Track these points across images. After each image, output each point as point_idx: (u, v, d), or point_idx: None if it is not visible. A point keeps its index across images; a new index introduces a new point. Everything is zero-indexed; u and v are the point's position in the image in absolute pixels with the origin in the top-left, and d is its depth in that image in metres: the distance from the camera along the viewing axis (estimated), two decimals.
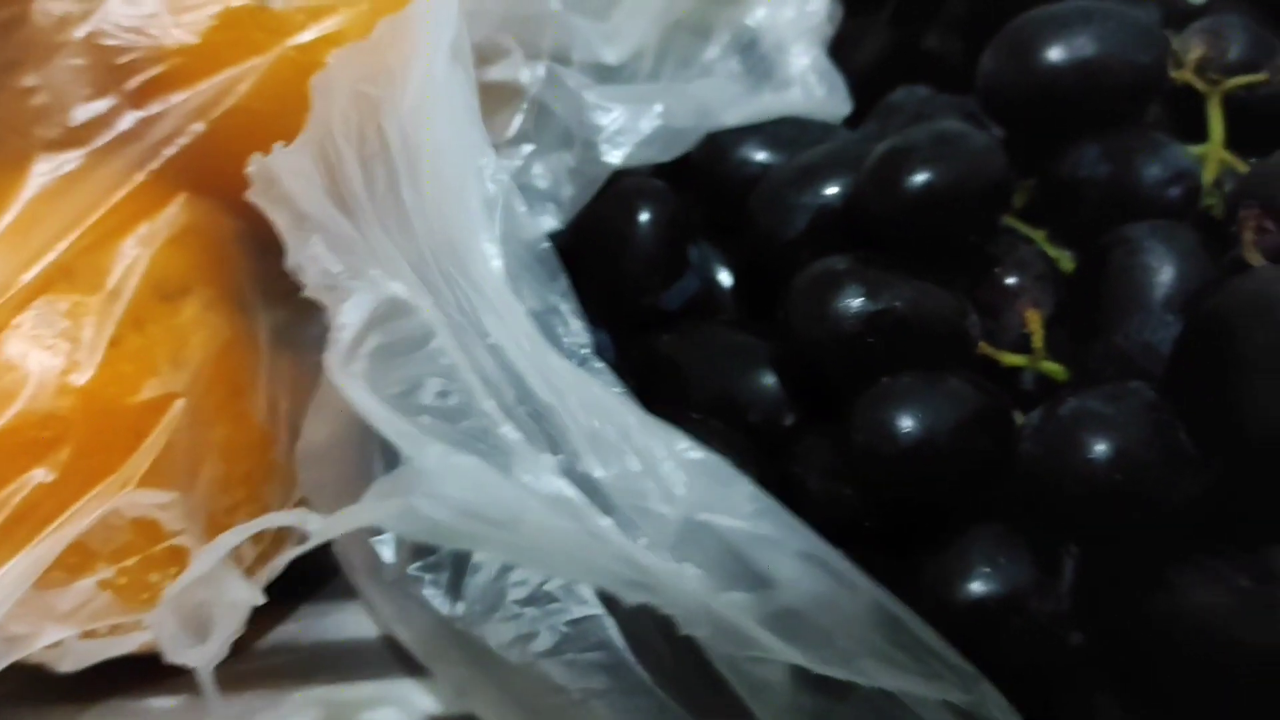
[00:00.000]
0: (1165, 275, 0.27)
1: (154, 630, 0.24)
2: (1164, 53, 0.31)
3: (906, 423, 0.25)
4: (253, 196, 0.25)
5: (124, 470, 0.28)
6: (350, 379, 0.21)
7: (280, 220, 0.24)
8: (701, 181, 0.33)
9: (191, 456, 0.29)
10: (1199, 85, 0.32)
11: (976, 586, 0.24)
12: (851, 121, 0.36)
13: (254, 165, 0.25)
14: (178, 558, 0.29)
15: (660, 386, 0.31)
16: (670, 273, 0.31)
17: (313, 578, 0.36)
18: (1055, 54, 0.30)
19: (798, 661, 0.21)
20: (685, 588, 0.21)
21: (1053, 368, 0.28)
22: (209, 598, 0.24)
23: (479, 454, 0.21)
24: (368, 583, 0.26)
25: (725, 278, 0.33)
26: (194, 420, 0.29)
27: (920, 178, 0.27)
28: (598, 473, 0.22)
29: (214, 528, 0.30)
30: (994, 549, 0.24)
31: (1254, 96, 0.32)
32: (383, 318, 0.22)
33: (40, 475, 0.27)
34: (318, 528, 0.21)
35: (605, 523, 0.21)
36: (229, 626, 0.25)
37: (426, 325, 0.22)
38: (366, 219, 0.24)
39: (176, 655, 0.25)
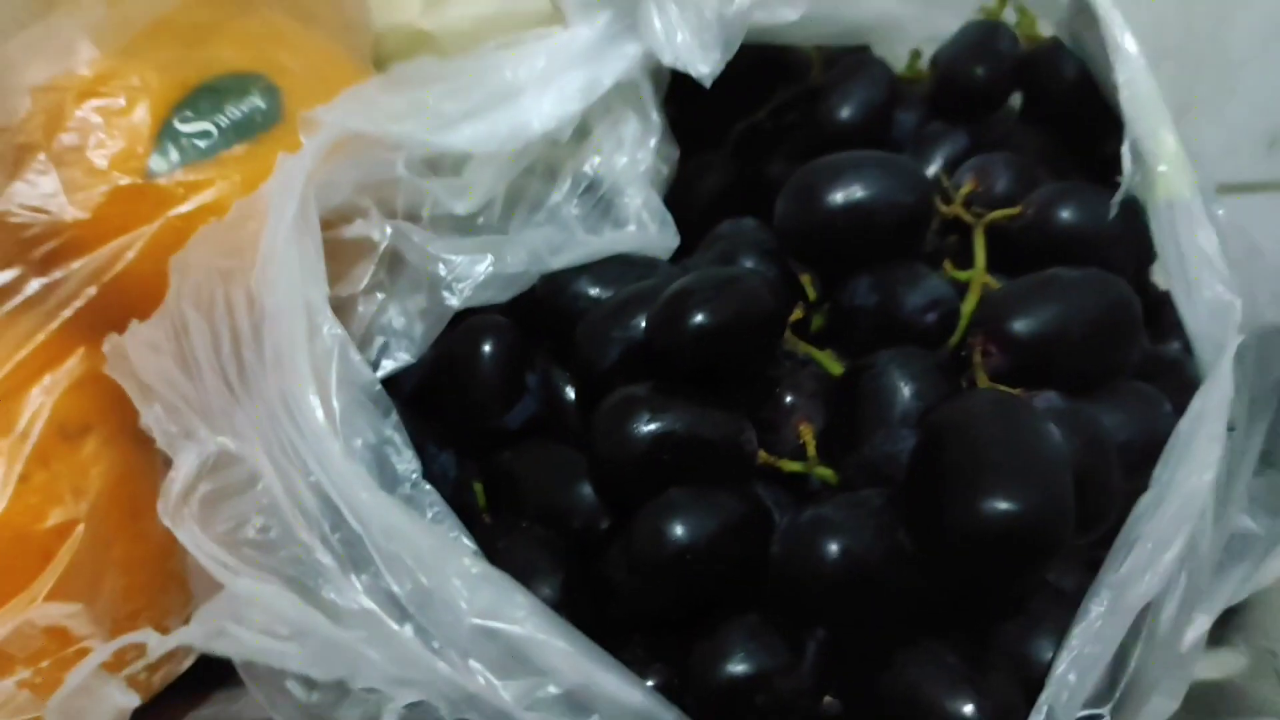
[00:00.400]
0: (901, 395, 0.31)
1: None
2: (927, 193, 0.36)
3: (674, 530, 0.29)
4: (108, 370, 0.30)
5: (34, 587, 0.32)
6: (180, 520, 0.26)
7: (129, 389, 0.29)
8: (543, 316, 0.37)
9: (94, 572, 0.33)
10: (965, 218, 0.37)
11: (729, 668, 0.28)
12: (689, 249, 0.41)
13: (107, 345, 0.30)
14: (86, 657, 0.34)
15: (502, 498, 0.36)
16: (510, 397, 0.36)
17: (223, 665, 0.40)
18: (833, 198, 0.35)
19: None
20: (470, 682, 0.25)
21: (825, 473, 0.33)
22: (89, 706, 0.28)
23: (296, 579, 0.26)
24: (246, 677, 0.31)
25: (571, 396, 0.38)
26: (95, 541, 0.33)
27: (697, 318, 0.32)
28: (395, 588, 0.26)
29: (119, 630, 0.34)
30: (746, 636, 0.29)
31: (1013, 227, 0.37)
32: (211, 468, 0.27)
33: None
34: (154, 645, 0.25)
35: (405, 629, 0.26)
36: None
37: (253, 471, 0.27)
38: (208, 382, 0.28)
39: None
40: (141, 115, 0.35)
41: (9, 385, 0.33)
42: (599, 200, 0.40)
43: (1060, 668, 0.27)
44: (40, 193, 0.34)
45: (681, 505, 0.30)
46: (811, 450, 0.33)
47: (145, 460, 0.35)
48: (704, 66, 0.38)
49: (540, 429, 0.37)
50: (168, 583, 0.35)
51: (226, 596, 0.25)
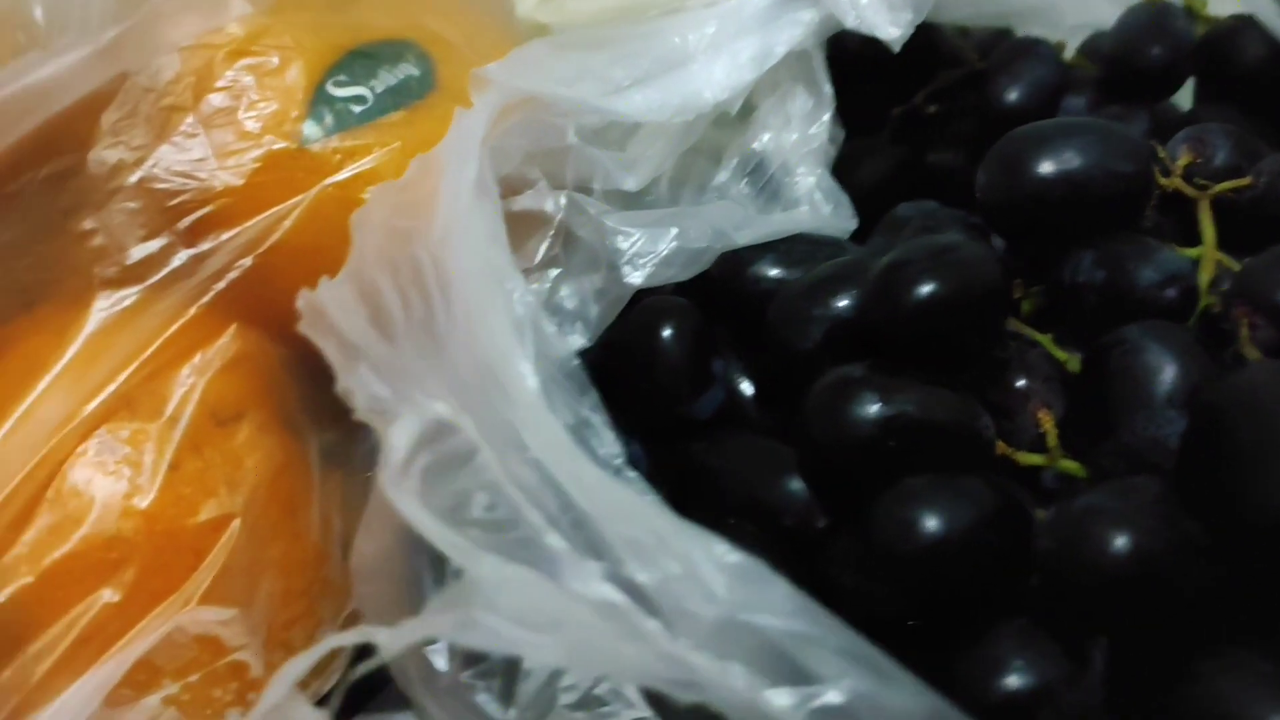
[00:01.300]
0: (1165, 373, 0.28)
1: None
2: (1149, 162, 0.33)
3: (925, 522, 0.26)
4: (303, 328, 0.27)
5: (185, 589, 0.29)
6: (404, 496, 0.23)
7: (329, 349, 0.26)
8: (720, 298, 0.34)
9: (250, 574, 0.30)
10: (1188, 191, 0.34)
11: (1010, 680, 0.25)
12: (859, 236, 0.38)
13: (303, 299, 0.27)
14: (239, 673, 0.30)
15: (695, 494, 0.32)
16: (698, 383, 0.33)
17: (365, 688, 0.37)
18: (1044, 168, 0.32)
19: None
20: (732, 685, 0.22)
21: (1071, 465, 0.29)
22: None
23: (528, 563, 0.22)
24: (421, 691, 0.27)
25: (747, 388, 0.35)
26: (251, 539, 0.30)
27: (921, 289, 0.29)
28: (640, 577, 0.23)
29: (273, 642, 0.31)
30: (1021, 643, 0.25)
31: (1241, 199, 0.34)
32: (429, 438, 0.24)
33: (107, 595, 0.28)
34: (386, 642, 0.22)
35: (652, 624, 0.23)
36: None
37: (470, 443, 0.24)
38: (405, 344, 0.25)
39: None
40: (295, 77, 0.33)
41: (157, 364, 0.30)
42: (769, 179, 0.37)
43: None
44: (189, 158, 0.31)
45: (929, 494, 0.26)
46: (1053, 440, 0.29)
47: (301, 452, 0.32)
48: (894, 29, 0.35)
49: (725, 420, 0.34)
50: (324, 588, 0.32)
51: (469, 582, 0.22)
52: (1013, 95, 0.42)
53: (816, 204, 0.37)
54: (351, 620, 0.32)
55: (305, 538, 0.31)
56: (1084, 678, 0.25)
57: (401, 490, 0.23)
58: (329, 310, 0.26)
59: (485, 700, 0.26)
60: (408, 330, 0.26)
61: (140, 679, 0.29)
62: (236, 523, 0.30)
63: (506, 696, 0.26)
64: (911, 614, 0.27)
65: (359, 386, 0.25)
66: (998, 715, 0.24)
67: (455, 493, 0.23)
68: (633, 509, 0.23)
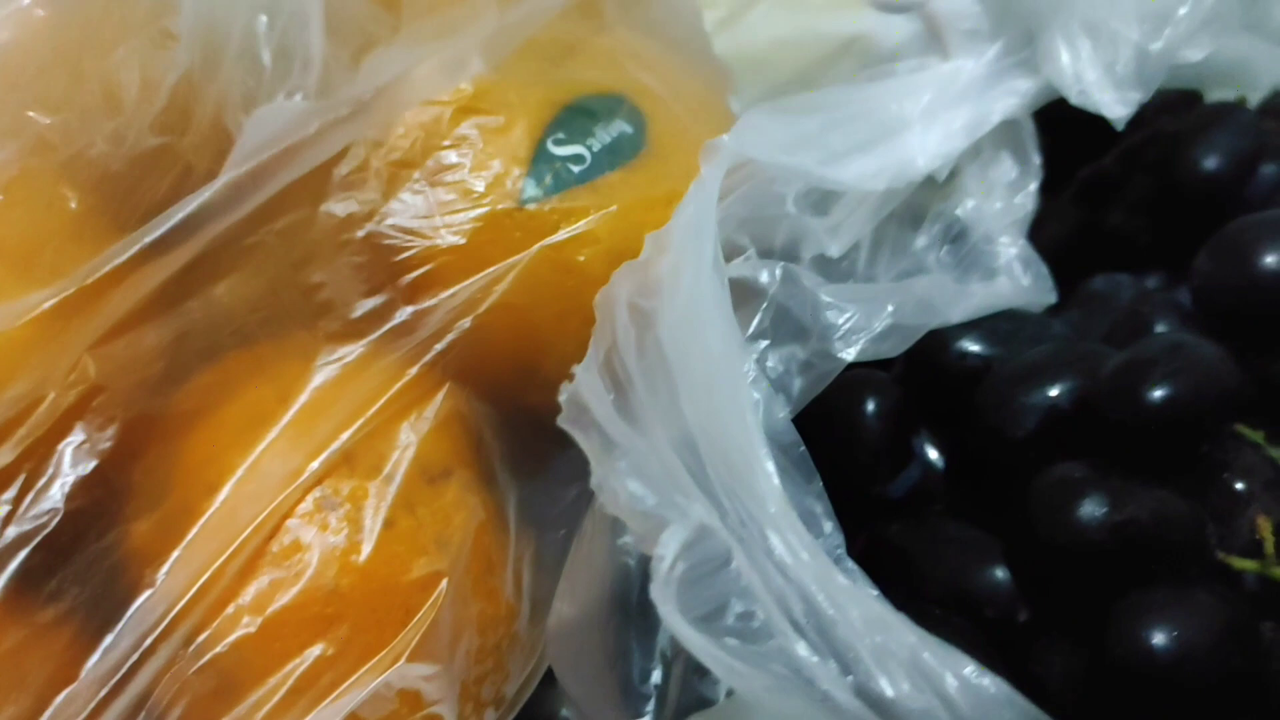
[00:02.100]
0: None
1: None
2: None
3: (1164, 639, 0.26)
4: (562, 423, 0.27)
5: (395, 645, 0.30)
6: (667, 605, 0.23)
7: (588, 446, 0.26)
8: (919, 374, 0.34)
9: (453, 631, 0.30)
10: None
11: None
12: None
13: (564, 392, 0.27)
14: None
15: (890, 577, 0.32)
16: (897, 462, 0.32)
17: None
18: (1272, 260, 0.31)
19: None
20: None
21: None
22: None
23: (782, 677, 0.22)
24: None
25: (938, 467, 0.34)
26: (456, 597, 0.30)
27: (1161, 391, 0.28)
28: (889, 693, 0.23)
29: (465, 696, 0.31)
30: None
31: None
32: (690, 542, 0.24)
33: (322, 649, 0.29)
34: None
35: None
36: None
37: (725, 546, 0.24)
38: (658, 438, 0.25)
39: None
40: (519, 135, 0.33)
41: (377, 422, 0.31)
42: (970, 249, 0.37)
43: None
44: (414, 214, 0.32)
45: (1171, 607, 0.26)
46: (1270, 548, 0.29)
47: (500, 510, 0.33)
48: (1121, 108, 0.34)
49: (921, 501, 0.33)
50: (513, 645, 0.32)
51: (732, 707, 0.22)
52: (1209, 163, 0.41)
53: (1016, 276, 0.37)
54: (533, 676, 0.33)
55: (500, 595, 0.32)
56: None
57: (664, 596, 0.23)
58: (590, 404, 0.26)
59: None
60: (656, 419, 0.26)
61: None
62: (445, 581, 0.30)
63: None
64: None
65: (618, 485, 0.25)
66: None
67: (711, 598, 0.23)
68: (876, 617, 0.23)
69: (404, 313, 0.32)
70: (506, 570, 0.32)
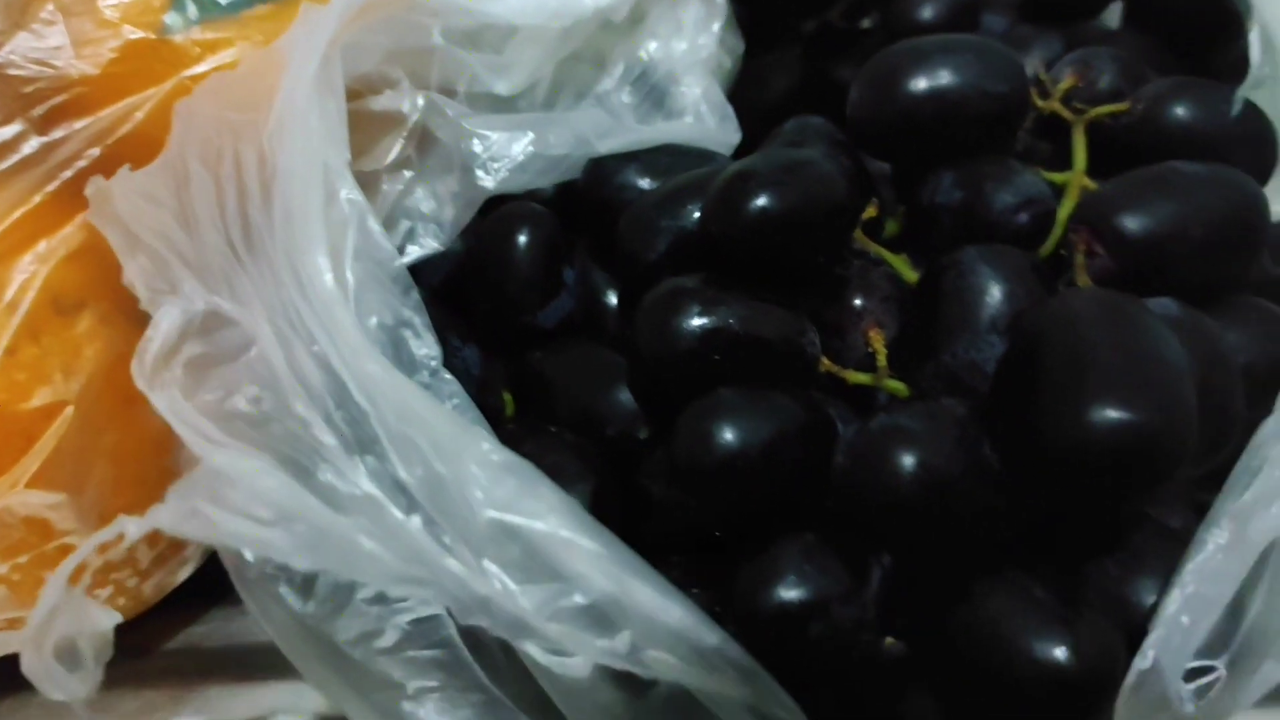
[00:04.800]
0: (990, 297, 0.27)
1: (28, 673, 0.25)
2: (1023, 83, 0.32)
3: (724, 435, 0.26)
4: (90, 217, 0.27)
5: (14, 472, 0.29)
6: (159, 384, 0.23)
7: (112, 238, 0.26)
8: (584, 206, 0.34)
9: (81, 460, 0.30)
10: (1065, 114, 0.33)
11: (781, 592, 0.25)
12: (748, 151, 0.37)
13: (91, 187, 0.26)
14: (68, 556, 0.31)
15: (532, 401, 0.32)
16: (546, 293, 0.33)
17: (223, 582, 0.37)
18: (915, 84, 0.31)
19: (585, 654, 0.22)
20: (469, 581, 0.22)
21: (895, 385, 0.29)
22: (71, 628, 0.24)
23: (291, 457, 0.22)
24: (237, 582, 0.28)
25: (611, 298, 0.34)
26: (84, 426, 0.30)
27: (760, 201, 0.28)
28: (403, 474, 0.23)
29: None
30: (801, 557, 0.25)
31: (1119, 125, 0.33)
32: (201, 329, 0.24)
33: None
34: (132, 531, 0.22)
35: (412, 522, 0.23)
36: (97, 654, 0.26)
37: (247, 335, 0.24)
38: (209, 238, 0.25)
39: (53, 692, 0.26)
40: None
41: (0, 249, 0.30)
42: (652, 88, 0.37)
43: (1171, 608, 0.23)
44: (46, 45, 0.31)
45: (732, 406, 0.26)
46: (882, 360, 0.29)
47: None
48: None
49: (575, 330, 0.33)
50: (162, 478, 0.32)
51: (205, 472, 0.22)
52: (926, 12, 0.41)
53: (702, 115, 0.37)
54: None
55: (143, 428, 0.32)
56: (861, 594, 0.25)
57: (157, 378, 0.23)
58: (117, 199, 0.25)
59: (286, 592, 0.26)
60: (214, 225, 0.26)
61: None
62: (69, 410, 0.30)
63: (307, 589, 0.26)
64: (712, 526, 0.27)
65: (137, 277, 0.25)
66: (769, 625, 0.24)
67: (222, 384, 0.23)
68: (407, 407, 0.23)
69: (34, 143, 0.31)
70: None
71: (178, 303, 0.24)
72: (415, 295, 0.28)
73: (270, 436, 0.23)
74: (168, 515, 0.22)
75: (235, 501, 0.21)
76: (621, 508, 0.28)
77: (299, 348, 0.24)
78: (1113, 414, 0.23)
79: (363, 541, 0.21)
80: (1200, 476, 0.27)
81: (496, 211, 0.33)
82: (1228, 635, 0.23)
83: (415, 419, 0.24)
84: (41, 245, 0.31)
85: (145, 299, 0.25)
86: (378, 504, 0.22)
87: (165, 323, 0.23)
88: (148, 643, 0.36)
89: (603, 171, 0.34)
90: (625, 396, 0.30)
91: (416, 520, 0.23)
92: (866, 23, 0.45)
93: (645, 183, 0.34)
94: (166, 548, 0.33)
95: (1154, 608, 0.24)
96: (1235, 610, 0.23)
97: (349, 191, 0.28)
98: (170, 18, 0.32)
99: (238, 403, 0.23)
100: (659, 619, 0.22)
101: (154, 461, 0.32)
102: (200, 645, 0.37)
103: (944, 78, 0.31)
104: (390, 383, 0.24)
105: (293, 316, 0.25)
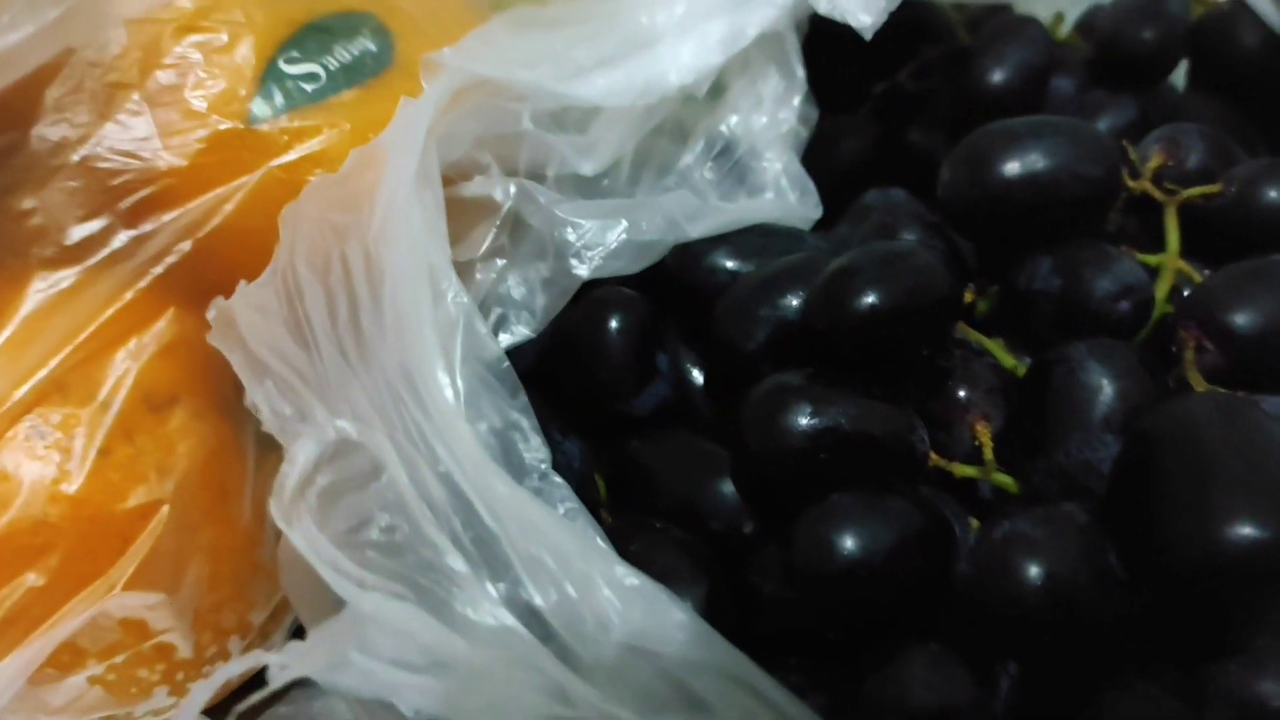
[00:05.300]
0: (1103, 395, 0.27)
1: None
2: (1116, 165, 0.32)
3: (845, 543, 0.26)
4: (211, 339, 0.26)
5: (111, 574, 0.29)
6: (296, 519, 0.22)
7: (236, 363, 0.26)
8: (674, 290, 0.34)
9: (178, 559, 0.30)
10: (1156, 195, 0.33)
11: (911, 703, 0.25)
12: (830, 219, 0.37)
13: (212, 310, 0.26)
14: (165, 654, 0.31)
15: (630, 491, 0.32)
16: (640, 379, 0.32)
17: None
18: (1008, 168, 0.31)
19: None
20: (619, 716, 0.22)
21: (1004, 480, 0.29)
22: None
23: (424, 589, 0.22)
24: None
25: (699, 383, 0.34)
26: (180, 524, 0.30)
27: (866, 299, 0.28)
28: (537, 601, 0.23)
29: (200, 624, 0.31)
30: (929, 666, 0.25)
31: (1211, 206, 0.33)
32: (331, 456, 0.23)
33: (31, 579, 0.29)
34: (274, 675, 0.22)
35: (543, 652, 0.22)
36: None
37: (376, 460, 0.23)
38: (325, 351, 0.25)
39: None
40: (245, 54, 0.32)
41: (91, 348, 0.30)
42: (734, 164, 0.37)
43: None
44: (133, 136, 0.31)
45: (852, 513, 0.26)
46: (989, 453, 0.29)
47: (235, 437, 0.32)
48: (865, 16, 0.34)
49: (668, 415, 0.33)
50: (254, 572, 0.32)
51: (350, 616, 0.21)
52: (997, 77, 0.40)
53: (782, 190, 0.36)
54: (284, 605, 0.33)
55: (237, 523, 0.32)
56: (990, 704, 0.25)
57: (294, 513, 0.23)
58: (239, 320, 0.25)
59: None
60: (328, 337, 0.25)
61: (65, 660, 0.29)
62: (165, 509, 0.30)
63: None
64: (829, 629, 0.27)
65: (263, 402, 0.25)
66: None
67: (354, 513, 0.23)
68: (535, 527, 0.23)
69: (123, 237, 0.31)
70: (244, 498, 0.32)
71: (311, 433, 0.24)
72: (523, 397, 0.28)
73: (407, 566, 0.22)
74: (319, 662, 0.21)
75: (385, 649, 0.21)
76: (733, 607, 0.28)
77: (423, 467, 0.24)
78: (1244, 530, 0.23)
79: (510, 684, 0.21)
80: None
81: (588, 296, 0.33)
82: None
83: (542, 538, 0.23)
84: (133, 342, 0.31)
85: (273, 425, 0.25)
86: (514, 635, 0.22)
87: (302, 456, 0.23)
88: None
89: (691, 255, 0.34)
90: (729, 489, 0.30)
91: (551, 649, 0.22)
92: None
93: (735, 264, 0.33)
94: (255, 637, 0.33)
95: None
96: None
97: (455, 293, 0.27)
98: (256, 106, 0.32)
99: (371, 532, 0.23)
100: None
101: (247, 556, 0.32)
102: None
103: (1038, 161, 0.31)
104: (514, 500, 0.24)
105: (412, 431, 0.24)
